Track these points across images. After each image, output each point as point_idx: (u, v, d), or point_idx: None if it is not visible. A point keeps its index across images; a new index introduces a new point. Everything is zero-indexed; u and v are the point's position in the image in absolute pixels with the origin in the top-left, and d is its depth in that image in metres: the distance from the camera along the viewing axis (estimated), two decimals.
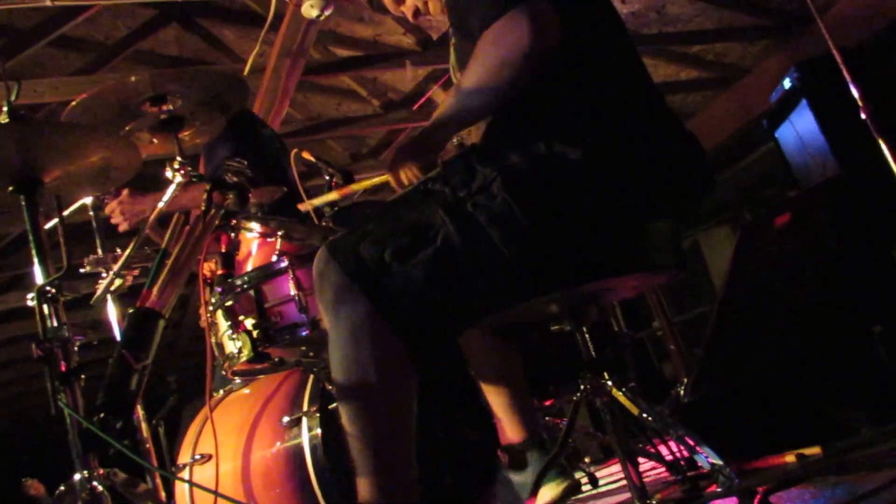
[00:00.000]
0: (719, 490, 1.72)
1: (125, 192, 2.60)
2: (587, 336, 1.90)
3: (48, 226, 1.83)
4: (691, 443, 1.84)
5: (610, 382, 1.85)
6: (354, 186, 1.98)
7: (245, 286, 1.99)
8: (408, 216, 1.52)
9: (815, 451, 2.08)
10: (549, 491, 1.99)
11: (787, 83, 3.69)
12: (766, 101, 4.08)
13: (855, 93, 3.05)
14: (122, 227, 2.67)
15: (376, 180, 1.81)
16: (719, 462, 1.75)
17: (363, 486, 1.48)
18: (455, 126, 1.63)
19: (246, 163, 2.86)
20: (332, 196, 2.03)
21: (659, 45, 5.41)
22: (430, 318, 1.50)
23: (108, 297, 2.21)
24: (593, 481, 2.41)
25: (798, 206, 2.96)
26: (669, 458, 2.14)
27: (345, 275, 1.48)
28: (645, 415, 1.83)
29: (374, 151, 6.17)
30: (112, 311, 2.26)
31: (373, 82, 5.58)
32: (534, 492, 1.87)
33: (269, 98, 4.28)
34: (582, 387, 1.89)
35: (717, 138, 6.02)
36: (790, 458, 2.10)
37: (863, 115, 3.02)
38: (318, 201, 2.07)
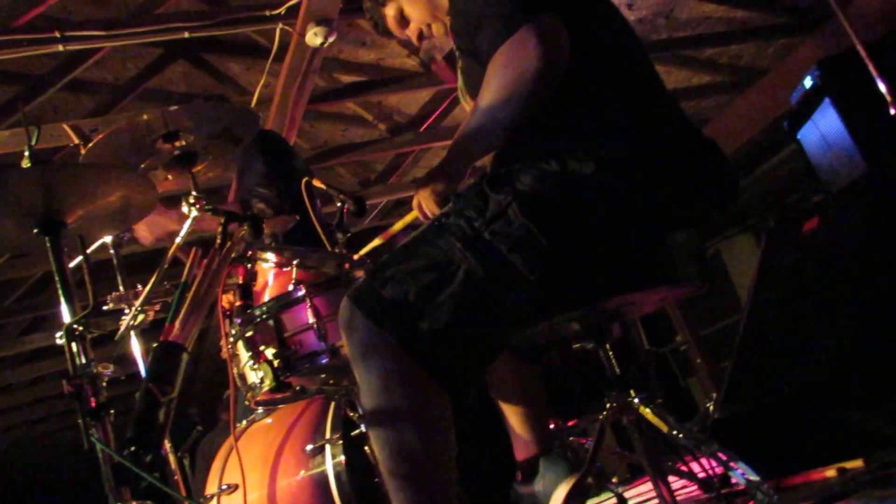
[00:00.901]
0: None
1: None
2: (610, 353, 1.91)
3: (71, 265, 1.89)
4: (725, 459, 1.81)
5: (637, 400, 1.85)
6: (395, 229, 2.04)
7: (264, 316, 2.03)
8: (427, 253, 1.52)
9: (856, 464, 2.01)
10: (559, 491, 1.98)
11: (807, 82, 3.61)
12: (787, 102, 4.00)
13: (882, 88, 2.97)
14: (147, 241, 2.71)
15: (410, 217, 1.85)
16: (756, 478, 1.72)
17: None
18: (475, 152, 1.62)
19: (275, 192, 2.91)
20: (377, 242, 2.08)
21: (669, 50, 5.32)
22: (461, 353, 1.50)
23: (132, 332, 2.25)
24: (622, 502, 2.39)
25: (825, 209, 2.86)
26: (702, 475, 2.11)
27: (372, 322, 1.48)
28: (675, 432, 1.81)
29: (383, 176, 6.21)
30: (136, 346, 2.31)
31: (378, 106, 5.63)
32: None
33: (277, 128, 4.33)
34: (608, 405, 1.88)
35: (736, 143, 5.91)
36: (831, 472, 2.03)
37: (892, 111, 2.94)
38: (365, 251, 2.13)
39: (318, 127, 5.88)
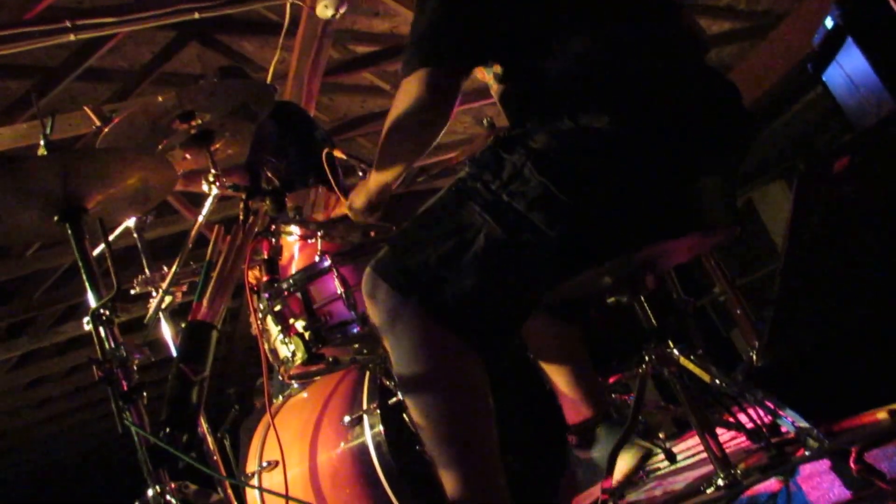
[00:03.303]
0: (808, 453, 1.64)
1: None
2: (646, 305, 1.87)
3: (95, 252, 1.87)
4: (772, 407, 1.77)
5: (676, 351, 1.81)
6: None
7: (291, 289, 2.00)
8: (446, 220, 1.52)
9: None
10: (623, 463, 1.96)
11: (828, 22, 3.49)
12: (809, 45, 3.85)
13: None
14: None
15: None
16: (806, 424, 1.68)
17: (447, 480, 1.47)
18: (382, 174, 1.69)
19: (284, 163, 2.89)
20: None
21: (686, 0, 5.21)
22: (489, 317, 1.49)
23: (161, 315, 2.24)
24: (670, 457, 2.33)
25: (856, 148, 2.82)
26: (749, 425, 2.06)
27: (395, 291, 1.48)
28: (717, 381, 1.77)
29: None
30: (166, 329, 2.30)
31: (395, 75, 5.57)
32: (609, 469, 1.85)
33: (295, 102, 4.29)
34: (647, 358, 1.85)
35: (760, 89, 5.76)
36: (882, 414, 1.95)
37: None
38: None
39: (337, 100, 5.85)
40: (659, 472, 2.57)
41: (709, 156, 1.62)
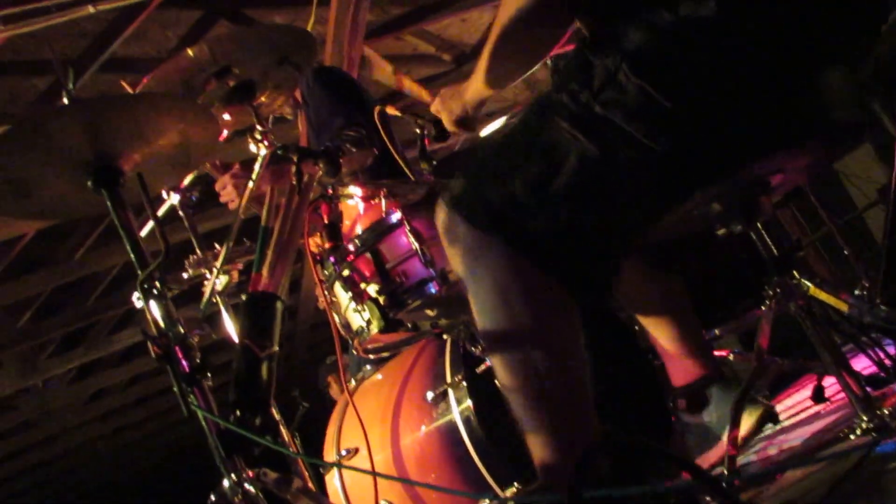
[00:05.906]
0: None
1: (237, 164, 2.42)
2: (764, 233, 1.70)
3: (144, 231, 1.73)
4: None
5: (805, 281, 1.65)
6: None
7: (360, 250, 1.85)
8: (529, 141, 1.37)
9: None
10: (743, 423, 1.79)
11: None
12: None
13: None
14: (234, 205, 2.38)
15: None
16: None
17: (538, 446, 1.34)
18: (481, 98, 1.58)
19: (364, 132, 2.75)
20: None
21: None
22: (586, 254, 1.34)
23: (218, 299, 2.10)
24: (773, 418, 2.15)
25: None
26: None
27: (475, 227, 1.34)
28: (858, 310, 1.62)
29: None
30: (225, 314, 2.15)
31: (439, 38, 5.45)
32: (734, 427, 1.68)
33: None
34: (770, 292, 1.68)
35: None
36: None
37: None
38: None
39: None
40: (761, 435, 2.41)
41: (835, 44, 1.41)
